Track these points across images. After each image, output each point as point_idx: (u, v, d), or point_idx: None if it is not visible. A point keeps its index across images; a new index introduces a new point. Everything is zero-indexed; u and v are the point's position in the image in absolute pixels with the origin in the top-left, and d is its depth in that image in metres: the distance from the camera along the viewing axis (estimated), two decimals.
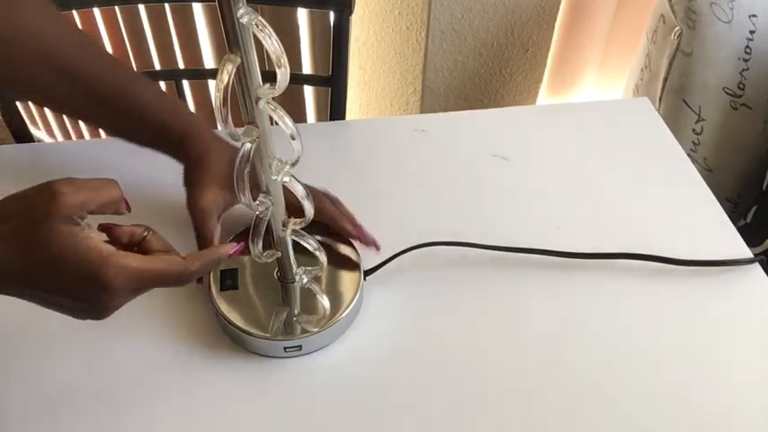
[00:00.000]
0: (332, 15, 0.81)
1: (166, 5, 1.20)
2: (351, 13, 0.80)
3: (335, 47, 0.83)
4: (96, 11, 1.26)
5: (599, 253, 0.62)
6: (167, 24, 1.22)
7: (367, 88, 1.53)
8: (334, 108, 0.88)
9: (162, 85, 1.34)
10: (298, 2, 0.98)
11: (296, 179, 0.50)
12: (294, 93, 1.35)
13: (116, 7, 1.20)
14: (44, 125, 1.71)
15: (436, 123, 0.80)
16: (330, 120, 0.88)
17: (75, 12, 1.23)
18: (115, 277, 0.41)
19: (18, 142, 0.85)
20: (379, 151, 0.76)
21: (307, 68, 1.34)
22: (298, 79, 1.02)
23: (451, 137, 0.78)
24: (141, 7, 1.20)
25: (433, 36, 1.34)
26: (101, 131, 1.44)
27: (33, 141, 0.88)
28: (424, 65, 1.40)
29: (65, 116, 0.59)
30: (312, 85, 0.99)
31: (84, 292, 0.42)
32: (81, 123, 1.42)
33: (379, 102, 1.55)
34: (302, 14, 1.25)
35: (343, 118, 0.89)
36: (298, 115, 1.39)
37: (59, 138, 1.68)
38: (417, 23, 1.34)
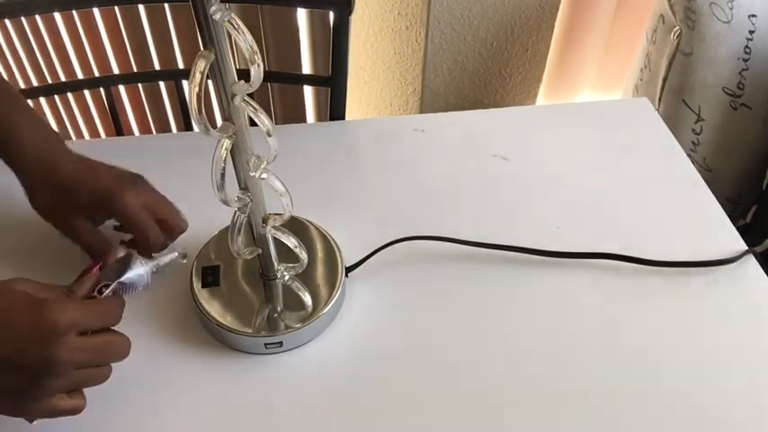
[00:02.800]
0: (332, 15, 0.81)
1: (166, 5, 1.20)
2: (350, 13, 0.80)
3: (335, 47, 0.83)
4: (96, 11, 1.26)
5: (596, 253, 0.62)
6: (167, 24, 1.22)
7: (367, 88, 1.53)
8: (334, 108, 0.88)
9: (162, 85, 1.35)
10: (298, 2, 0.98)
11: (274, 176, 0.51)
12: (294, 93, 1.35)
13: (116, 7, 1.20)
14: None
15: (436, 123, 0.80)
16: (330, 120, 0.88)
17: (75, 12, 1.24)
18: (60, 310, 0.41)
19: None
20: (379, 151, 0.76)
21: (307, 68, 1.33)
22: (298, 79, 1.02)
23: (451, 137, 0.78)
24: (141, 7, 1.20)
25: (432, 36, 1.34)
26: (102, 132, 1.43)
27: None
28: (423, 65, 1.40)
29: None
30: (312, 85, 0.99)
31: (31, 339, 0.41)
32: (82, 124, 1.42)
33: (379, 102, 1.55)
34: (302, 14, 1.25)
35: (343, 118, 0.89)
36: (298, 115, 1.39)
37: None
38: (417, 23, 1.34)
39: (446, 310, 0.59)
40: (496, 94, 1.48)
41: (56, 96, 1.35)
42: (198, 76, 0.40)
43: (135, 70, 1.31)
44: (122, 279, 0.48)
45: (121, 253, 0.50)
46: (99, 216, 0.59)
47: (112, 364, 0.48)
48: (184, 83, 0.98)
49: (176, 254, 0.53)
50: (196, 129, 0.43)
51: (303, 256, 0.57)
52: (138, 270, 0.49)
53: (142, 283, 0.49)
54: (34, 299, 0.42)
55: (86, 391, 0.48)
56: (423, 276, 0.62)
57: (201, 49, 0.41)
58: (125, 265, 0.48)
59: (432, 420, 0.52)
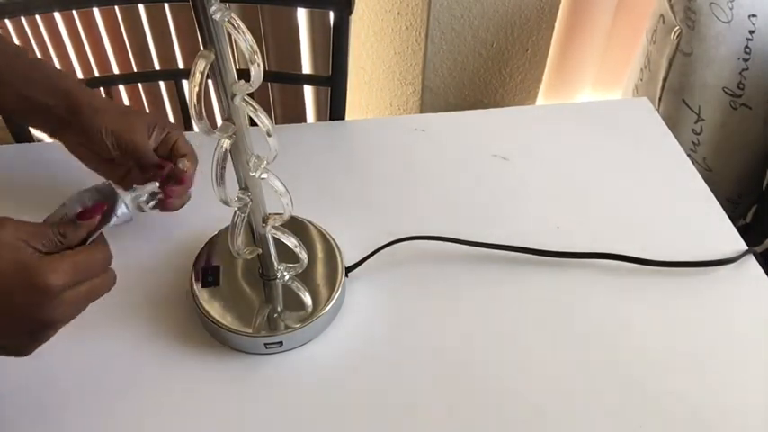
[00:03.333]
0: (332, 15, 0.81)
1: (166, 5, 1.20)
2: (350, 13, 0.80)
3: (335, 47, 0.83)
4: (96, 11, 1.26)
5: (596, 253, 0.62)
6: (167, 24, 1.22)
7: (367, 88, 1.53)
8: (334, 108, 0.88)
9: (162, 85, 1.35)
10: (298, 2, 0.98)
11: (274, 176, 0.51)
12: (294, 93, 1.35)
13: (116, 7, 1.20)
14: None
15: (436, 123, 0.80)
16: (330, 120, 0.88)
17: (75, 12, 1.24)
18: (52, 274, 0.40)
19: (18, 142, 0.85)
20: (379, 151, 0.76)
21: (307, 68, 1.34)
22: (298, 79, 1.02)
23: (451, 137, 0.78)
24: (141, 7, 1.20)
25: (432, 36, 1.34)
26: None
27: (33, 141, 0.88)
28: (423, 65, 1.40)
29: None
30: (312, 85, 0.99)
31: (26, 307, 0.41)
32: None
33: (379, 102, 1.55)
34: (302, 14, 1.25)
35: (343, 118, 0.89)
36: (298, 115, 1.39)
37: None
38: (417, 23, 1.34)
39: (446, 309, 0.59)
40: (496, 94, 1.48)
41: None
42: (198, 76, 0.40)
43: (135, 70, 1.31)
44: (110, 224, 0.46)
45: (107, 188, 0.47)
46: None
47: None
48: (184, 83, 0.98)
49: (156, 184, 0.52)
50: (196, 129, 0.43)
51: (303, 256, 0.57)
52: (123, 210, 0.46)
53: (126, 219, 0.48)
54: (22, 263, 0.41)
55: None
56: (423, 276, 0.62)
57: (201, 49, 0.41)
58: (110, 210, 0.46)
59: (431, 420, 0.52)
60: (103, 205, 0.46)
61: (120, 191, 0.47)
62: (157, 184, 0.53)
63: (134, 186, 0.50)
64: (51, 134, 0.58)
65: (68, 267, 0.42)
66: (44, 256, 0.42)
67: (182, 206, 0.59)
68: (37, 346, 0.44)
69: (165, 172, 0.57)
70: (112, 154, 0.57)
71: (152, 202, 0.53)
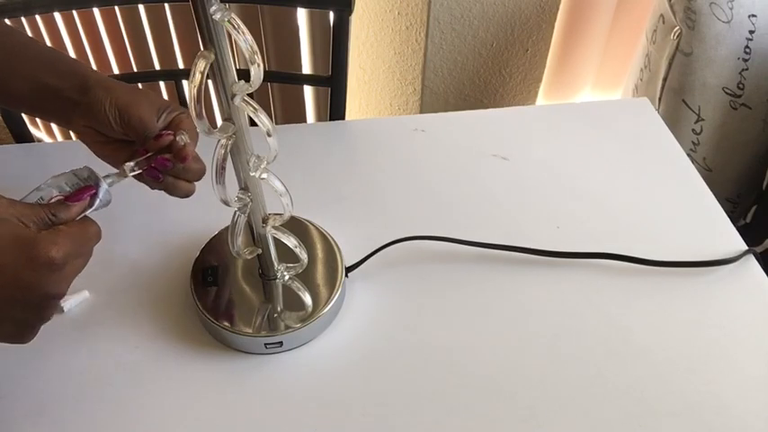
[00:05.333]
0: (332, 15, 0.81)
1: (166, 5, 1.20)
2: (351, 12, 0.81)
3: (335, 47, 0.83)
4: (96, 11, 1.26)
5: (596, 253, 0.62)
6: (167, 24, 1.22)
7: (367, 88, 1.53)
8: (334, 108, 0.88)
9: (162, 85, 1.35)
10: (298, 2, 0.98)
11: (274, 176, 0.51)
12: (294, 93, 1.35)
13: (116, 7, 1.20)
14: (44, 125, 1.71)
15: (436, 123, 0.80)
16: (330, 120, 0.88)
17: (75, 12, 1.24)
18: (54, 247, 0.41)
19: (18, 142, 0.85)
20: (379, 151, 0.76)
21: (307, 68, 1.34)
22: (298, 79, 1.02)
23: (451, 137, 0.78)
24: (141, 7, 1.20)
25: (432, 36, 1.34)
26: None
27: (33, 141, 0.88)
28: (423, 65, 1.40)
29: None
30: (312, 85, 0.99)
31: (32, 281, 0.41)
32: None
33: (379, 102, 1.55)
34: (302, 14, 1.25)
35: (343, 118, 0.89)
36: (298, 115, 1.39)
37: (59, 138, 1.68)
38: (417, 23, 1.34)
39: (446, 310, 0.60)
40: (496, 94, 1.48)
41: None
42: (198, 76, 0.40)
43: (135, 70, 1.31)
44: (93, 208, 0.46)
45: (85, 172, 0.47)
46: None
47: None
48: (184, 83, 0.98)
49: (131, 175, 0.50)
50: (196, 129, 0.43)
51: (303, 256, 0.57)
52: (104, 193, 0.47)
53: (106, 203, 0.48)
54: (21, 238, 0.41)
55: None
56: (423, 276, 0.62)
57: (201, 49, 0.41)
58: (96, 193, 0.46)
59: (431, 420, 0.52)
60: (92, 189, 0.46)
61: (98, 174, 0.47)
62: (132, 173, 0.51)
63: (109, 174, 0.49)
64: (60, 120, 0.58)
65: (67, 241, 0.43)
66: (40, 232, 0.43)
67: (186, 194, 0.55)
68: (40, 326, 0.45)
69: (161, 141, 0.53)
70: (115, 129, 0.56)
71: (136, 171, 0.51)
